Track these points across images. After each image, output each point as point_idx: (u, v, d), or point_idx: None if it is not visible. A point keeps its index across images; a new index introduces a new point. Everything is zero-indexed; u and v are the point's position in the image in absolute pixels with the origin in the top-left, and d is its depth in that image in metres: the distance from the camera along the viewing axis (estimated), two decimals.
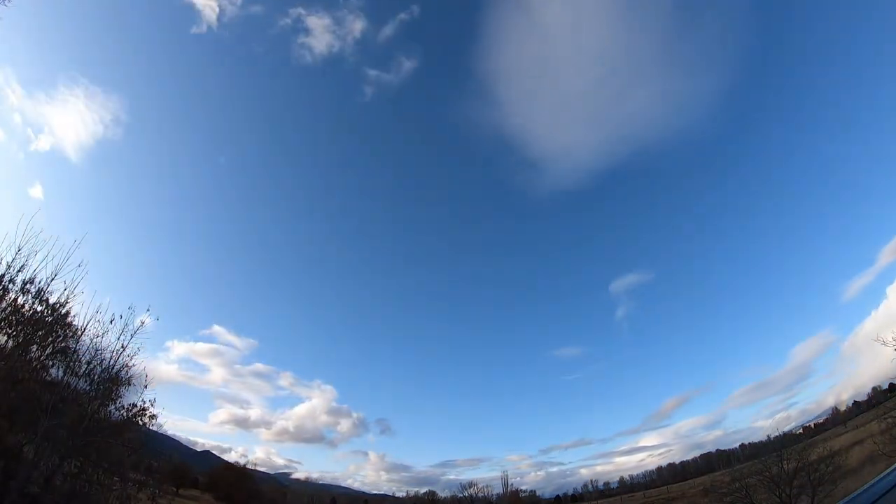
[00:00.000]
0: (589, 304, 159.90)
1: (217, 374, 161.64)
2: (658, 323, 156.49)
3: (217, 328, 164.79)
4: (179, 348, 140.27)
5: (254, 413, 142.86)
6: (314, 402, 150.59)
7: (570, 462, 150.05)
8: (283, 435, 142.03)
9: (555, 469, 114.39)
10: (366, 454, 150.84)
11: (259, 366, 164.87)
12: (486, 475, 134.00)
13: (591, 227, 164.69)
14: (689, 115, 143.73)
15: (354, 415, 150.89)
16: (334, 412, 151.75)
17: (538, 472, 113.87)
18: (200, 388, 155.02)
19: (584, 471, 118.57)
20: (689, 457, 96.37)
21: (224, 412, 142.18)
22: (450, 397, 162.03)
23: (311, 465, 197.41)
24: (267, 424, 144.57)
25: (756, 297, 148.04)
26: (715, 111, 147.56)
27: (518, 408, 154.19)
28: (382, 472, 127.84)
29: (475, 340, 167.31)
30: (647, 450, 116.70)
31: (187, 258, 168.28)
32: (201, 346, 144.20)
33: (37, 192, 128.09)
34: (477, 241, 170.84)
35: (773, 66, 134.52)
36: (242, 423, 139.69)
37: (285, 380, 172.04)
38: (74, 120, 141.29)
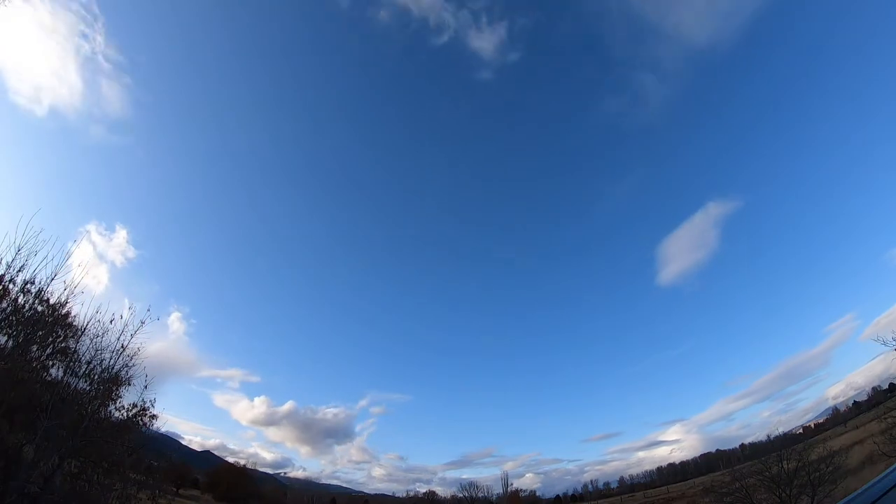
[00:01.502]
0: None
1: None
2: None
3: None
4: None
5: (269, 409, 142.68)
6: (327, 400, 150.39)
7: (594, 458, 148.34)
8: (296, 433, 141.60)
9: (572, 466, 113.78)
10: (377, 452, 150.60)
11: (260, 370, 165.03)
12: (497, 473, 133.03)
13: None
14: None
15: (372, 408, 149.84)
16: (347, 409, 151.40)
17: (556, 469, 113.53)
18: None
19: (599, 467, 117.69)
20: (713, 450, 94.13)
21: (244, 406, 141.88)
22: (463, 393, 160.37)
23: (314, 465, 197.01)
24: (282, 422, 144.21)
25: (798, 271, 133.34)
26: None
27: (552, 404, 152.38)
28: (394, 471, 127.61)
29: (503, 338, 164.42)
30: (667, 444, 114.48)
31: (240, 263, 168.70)
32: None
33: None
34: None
35: None
36: (262, 421, 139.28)
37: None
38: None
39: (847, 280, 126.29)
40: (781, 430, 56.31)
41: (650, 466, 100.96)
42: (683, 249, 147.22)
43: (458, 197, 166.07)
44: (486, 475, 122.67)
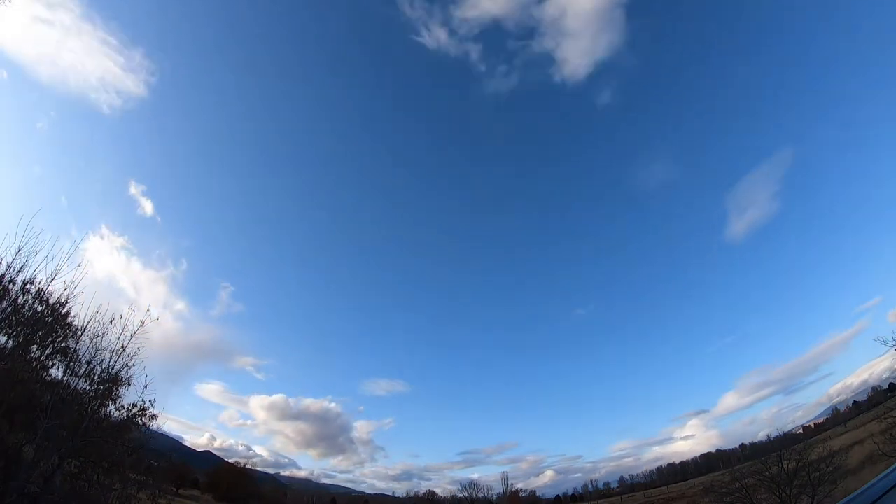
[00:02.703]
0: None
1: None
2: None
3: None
4: None
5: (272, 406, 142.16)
6: (329, 398, 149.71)
7: (614, 454, 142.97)
8: (306, 431, 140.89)
9: (589, 463, 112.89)
10: (389, 450, 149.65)
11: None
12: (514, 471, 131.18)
13: None
14: None
15: (384, 405, 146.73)
16: (357, 406, 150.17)
17: (576, 466, 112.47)
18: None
19: (616, 464, 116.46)
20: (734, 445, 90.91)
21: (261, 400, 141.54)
22: (482, 389, 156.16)
23: (323, 464, 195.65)
24: (292, 420, 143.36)
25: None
26: None
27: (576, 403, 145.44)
28: (405, 469, 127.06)
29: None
30: (686, 439, 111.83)
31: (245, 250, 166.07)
32: None
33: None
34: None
35: None
36: (273, 418, 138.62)
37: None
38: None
39: (878, 260, 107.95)
40: (786, 428, 56.36)
41: (668, 462, 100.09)
42: (751, 203, 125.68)
43: (475, 172, 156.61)
44: (497, 473, 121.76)
